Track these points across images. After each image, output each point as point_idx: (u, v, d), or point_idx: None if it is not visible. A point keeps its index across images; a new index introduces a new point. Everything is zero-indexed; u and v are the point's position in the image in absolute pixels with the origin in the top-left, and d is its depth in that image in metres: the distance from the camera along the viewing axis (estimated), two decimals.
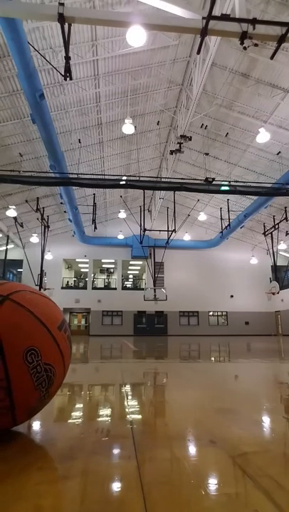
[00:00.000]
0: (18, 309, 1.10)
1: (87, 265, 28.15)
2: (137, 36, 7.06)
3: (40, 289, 19.81)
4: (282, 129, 14.43)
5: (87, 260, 27.86)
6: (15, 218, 17.79)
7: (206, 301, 26.97)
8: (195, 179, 14.89)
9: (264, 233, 21.35)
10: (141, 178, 14.93)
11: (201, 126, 15.85)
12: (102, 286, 29.35)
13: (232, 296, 27.64)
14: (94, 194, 18.62)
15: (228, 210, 19.10)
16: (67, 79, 7.29)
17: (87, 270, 28.30)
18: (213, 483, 0.85)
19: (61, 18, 6.14)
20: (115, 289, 27.92)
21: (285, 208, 18.66)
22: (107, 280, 30.51)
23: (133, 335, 24.67)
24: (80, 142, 15.90)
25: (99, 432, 1.28)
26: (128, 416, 1.55)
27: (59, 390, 2.17)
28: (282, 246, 23.05)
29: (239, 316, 27.07)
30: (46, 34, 10.12)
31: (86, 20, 6.64)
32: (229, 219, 19.73)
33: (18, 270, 26.50)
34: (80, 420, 1.51)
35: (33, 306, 1.15)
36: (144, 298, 22.30)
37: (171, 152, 15.18)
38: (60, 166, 13.53)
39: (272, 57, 7.07)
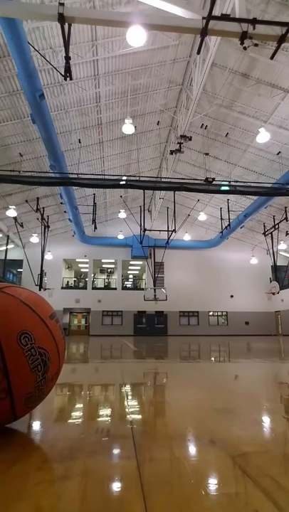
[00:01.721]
0: (10, 298, 1.21)
1: (87, 265, 28.14)
2: (137, 36, 7.05)
3: (40, 289, 19.83)
4: (282, 129, 14.43)
5: (87, 260, 27.85)
6: (15, 218, 17.79)
7: (206, 301, 26.97)
8: (195, 179, 14.89)
9: (264, 233, 21.35)
10: (141, 178, 14.92)
11: (201, 126, 15.84)
12: (102, 286, 29.33)
13: (232, 296, 27.64)
14: (94, 194, 18.62)
15: (228, 210, 19.08)
16: (67, 79, 7.29)
17: (87, 270, 28.29)
18: (213, 483, 0.85)
19: (61, 18, 6.14)
20: (115, 289, 27.92)
21: (285, 207, 18.65)
22: (107, 280, 30.50)
23: (133, 335, 24.66)
24: (80, 142, 15.90)
25: (99, 432, 1.28)
26: (128, 416, 1.55)
27: (59, 390, 2.18)
28: (282, 246, 23.05)
29: (239, 316, 27.06)
30: (46, 34, 10.12)
31: (86, 20, 6.64)
32: (229, 219, 19.71)
33: (18, 270, 26.49)
34: (80, 420, 1.51)
35: (24, 298, 1.25)
36: (144, 298, 22.29)
37: (171, 152, 15.18)
38: (60, 166, 13.53)
39: (272, 57, 7.06)
